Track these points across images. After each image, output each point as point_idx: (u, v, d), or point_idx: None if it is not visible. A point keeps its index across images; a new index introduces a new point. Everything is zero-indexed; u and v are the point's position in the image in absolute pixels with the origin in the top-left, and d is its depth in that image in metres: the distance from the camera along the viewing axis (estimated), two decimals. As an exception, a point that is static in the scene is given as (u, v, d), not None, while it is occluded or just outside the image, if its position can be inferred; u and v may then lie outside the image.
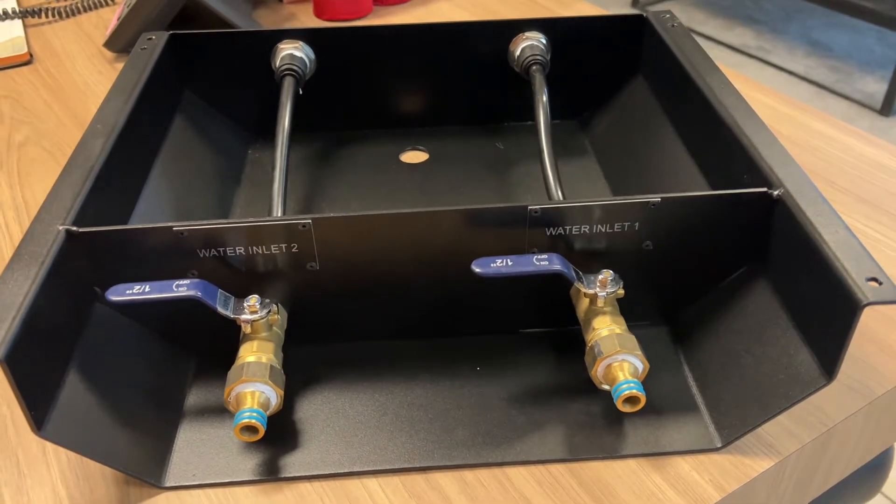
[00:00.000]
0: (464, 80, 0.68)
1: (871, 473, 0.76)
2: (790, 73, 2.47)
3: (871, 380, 0.46)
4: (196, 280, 0.42)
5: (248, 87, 0.66)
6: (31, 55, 0.85)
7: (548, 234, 0.44)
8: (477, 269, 0.42)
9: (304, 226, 0.43)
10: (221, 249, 0.43)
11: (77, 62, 0.84)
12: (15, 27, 0.89)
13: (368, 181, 0.64)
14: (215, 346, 0.46)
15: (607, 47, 0.66)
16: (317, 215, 0.43)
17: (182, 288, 0.41)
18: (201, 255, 0.43)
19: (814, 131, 0.69)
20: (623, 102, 0.67)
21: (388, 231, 0.44)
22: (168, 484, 0.41)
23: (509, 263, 0.42)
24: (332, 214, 0.43)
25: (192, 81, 0.65)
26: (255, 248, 0.43)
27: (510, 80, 0.67)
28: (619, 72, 0.67)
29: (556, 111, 0.70)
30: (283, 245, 0.43)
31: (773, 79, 2.44)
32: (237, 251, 0.43)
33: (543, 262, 0.43)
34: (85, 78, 0.81)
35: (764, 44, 2.65)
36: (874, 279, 0.37)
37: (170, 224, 0.42)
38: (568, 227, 0.44)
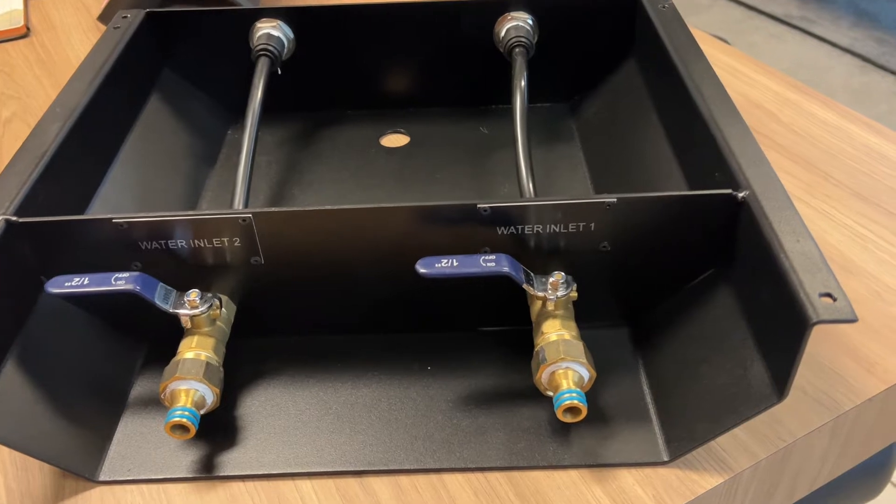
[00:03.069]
0: (449, 61, 0.66)
1: (873, 472, 0.73)
2: (833, 44, 2.38)
3: (840, 393, 0.44)
4: (135, 274, 0.41)
5: (230, 66, 0.65)
6: (27, 28, 0.84)
7: (499, 232, 0.43)
8: (421, 270, 0.40)
9: (244, 220, 0.42)
10: (163, 242, 0.43)
11: (72, 36, 0.83)
12: (15, -1, 0.89)
13: (346, 165, 0.63)
14: (167, 335, 0.46)
15: (599, 28, 0.64)
16: (257, 209, 0.42)
17: (120, 281, 0.41)
18: (143, 248, 0.43)
19: (816, 119, 0.66)
20: (613, 87, 0.64)
21: (332, 226, 0.42)
22: (102, 478, 0.41)
23: (454, 264, 0.41)
24: (272, 209, 0.42)
25: (172, 59, 0.64)
26: (197, 241, 0.43)
27: (497, 61, 0.64)
28: (612, 54, 0.64)
29: (546, 94, 0.68)
30: (226, 239, 0.42)
31: (815, 51, 2.35)
32: (179, 244, 0.43)
33: (490, 263, 0.41)
34: (78, 52, 0.80)
35: (808, 13, 2.54)
36: (828, 295, 0.35)
37: (109, 216, 0.42)
38: (520, 227, 0.42)
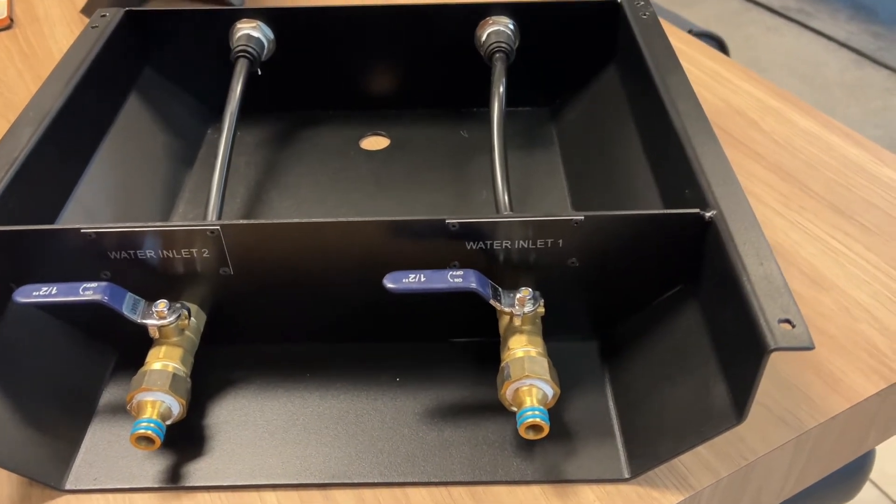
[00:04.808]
0: (431, 63, 0.66)
1: (849, 476, 0.74)
2: (830, 38, 2.37)
3: (804, 411, 0.44)
4: (103, 284, 0.41)
5: (211, 65, 0.64)
6: (11, 20, 0.84)
7: (468, 247, 0.43)
8: (388, 285, 0.41)
9: (212, 232, 0.42)
10: (132, 252, 0.43)
11: (56, 29, 0.83)
12: (-1, -11, 0.88)
13: (324, 168, 0.63)
14: (138, 341, 0.46)
15: (581, 33, 0.63)
16: (225, 222, 0.42)
17: (88, 291, 0.41)
18: (112, 257, 0.43)
19: (797, 128, 0.66)
20: (594, 93, 0.64)
21: (301, 239, 0.42)
22: (68, 487, 0.41)
23: (422, 279, 0.41)
24: (240, 221, 0.42)
25: (153, 58, 0.64)
26: (165, 251, 0.43)
27: (479, 64, 0.64)
28: (593, 60, 0.64)
29: (527, 98, 0.68)
30: (194, 250, 0.43)
31: (811, 45, 2.34)
32: (148, 254, 0.43)
33: (458, 278, 0.41)
34: (61, 46, 0.80)
35: (805, 6, 2.53)
36: (787, 321, 0.35)
37: (77, 226, 0.42)
38: (489, 242, 0.43)
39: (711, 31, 1.23)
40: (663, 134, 0.50)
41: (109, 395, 0.46)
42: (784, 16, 2.48)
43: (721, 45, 1.22)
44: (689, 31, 1.16)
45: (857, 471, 0.74)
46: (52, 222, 0.49)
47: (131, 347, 0.47)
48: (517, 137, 0.65)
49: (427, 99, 0.67)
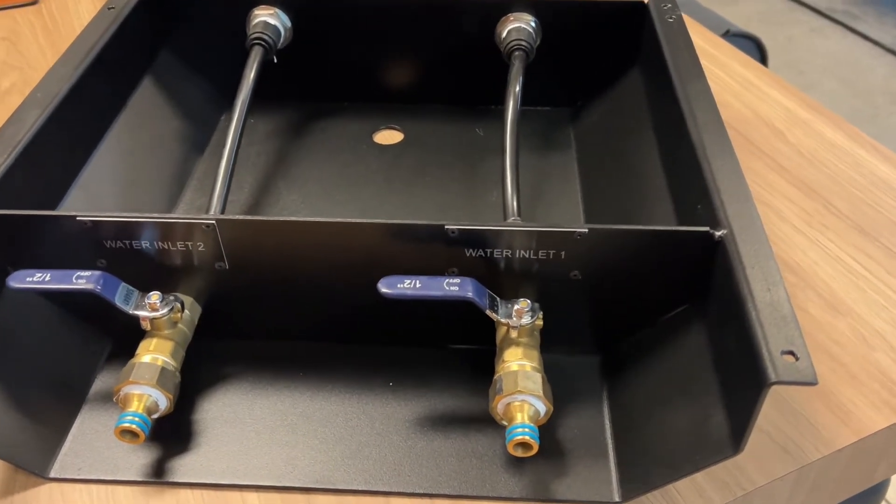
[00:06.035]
0: (449, 58, 0.64)
1: (863, 500, 0.72)
2: (875, 42, 2.30)
3: (808, 442, 0.42)
4: (97, 273, 0.41)
5: (229, 50, 0.64)
6: (37, -6, 0.84)
7: (468, 254, 0.42)
8: (383, 290, 0.40)
9: (207, 226, 0.41)
10: (128, 242, 0.42)
11: (80, 5, 0.83)
12: (28, -37, 0.88)
13: (335, 161, 0.62)
14: (133, 329, 0.45)
15: (605, 34, 0.62)
16: (221, 216, 0.41)
17: (81, 280, 0.40)
18: (108, 246, 0.42)
19: (825, 141, 0.63)
20: (616, 96, 0.63)
21: (297, 237, 0.42)
22: (52, 475, 0.41)
23: (417, 286, 0.40)
24: (236, 217, 0.41)
25: (171, 41, 0.64)
26: (161, 243, 0.42)
27: (498, 61, 0.62)
28: (617, 62, 0.62)
29: (548, 97, 0.66)
30: (190, 243, 0.42)
31: (856, 49, 2.28)
32: (144, 245, 0.42)
33: (454, 287, 0.40)
34: (84, 22, 0.79)
35: (852, 8, 2.46)
36: (791, 353, 0.34)
37: (73, 213, 0.41)
38: (489, 250, 0.41)
39: (749, 32, 1.19)
40: (680, 145, 0.48)
41: (101, 383, 0.46)
42: (829, 17, 2.42)
43: (759, 47, 1.19)
44: (727, 32, 1.13)
45: (870, 494, 0.73)
46: (53, 207, 0.48)
47: (126, 336, 0.46)
48: (534, 137, 0.63)
49: (444, 94, 0.66)
